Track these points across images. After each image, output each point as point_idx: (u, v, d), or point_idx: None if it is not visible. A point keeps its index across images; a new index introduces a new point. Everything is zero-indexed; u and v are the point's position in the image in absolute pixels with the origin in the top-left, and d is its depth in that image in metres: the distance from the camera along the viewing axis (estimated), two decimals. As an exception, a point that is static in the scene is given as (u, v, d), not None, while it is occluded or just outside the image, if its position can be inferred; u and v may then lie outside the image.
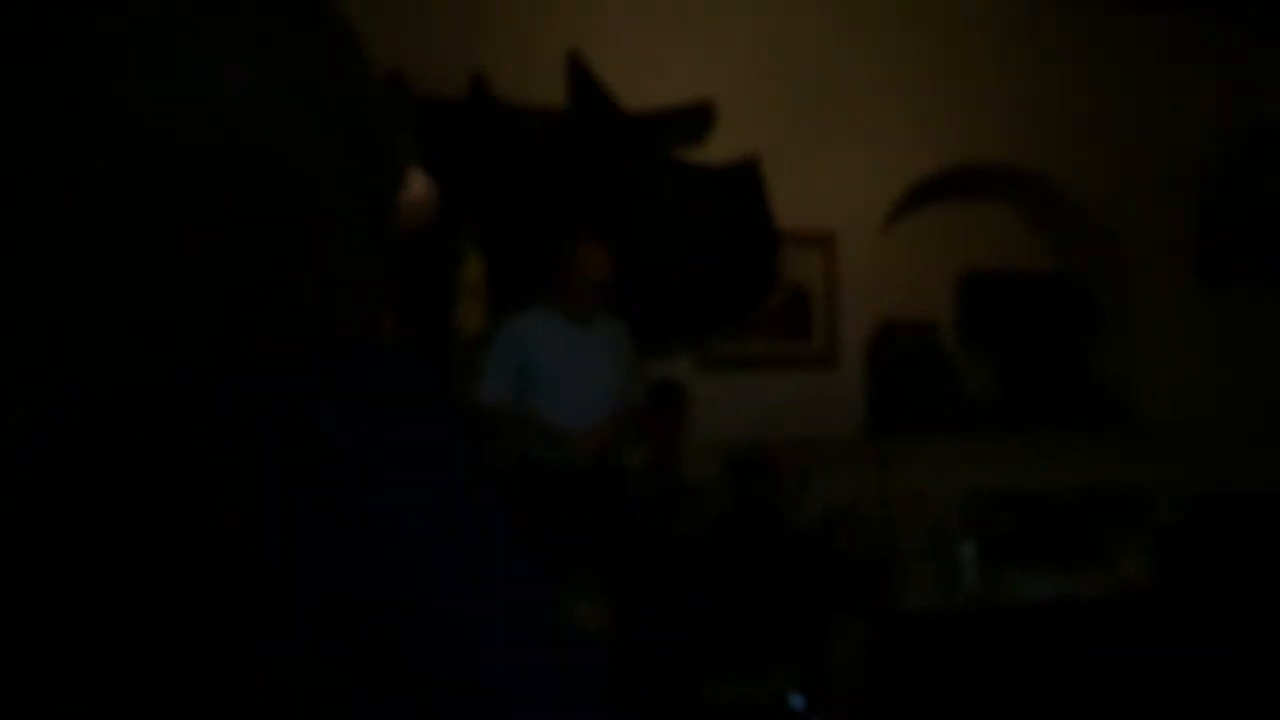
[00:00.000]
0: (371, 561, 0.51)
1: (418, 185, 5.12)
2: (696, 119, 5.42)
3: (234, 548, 0.50)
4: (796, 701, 4.18)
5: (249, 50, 0.58)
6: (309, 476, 0.51)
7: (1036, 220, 6.67)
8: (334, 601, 0.50)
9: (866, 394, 5.96)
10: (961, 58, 6.09)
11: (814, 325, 5.90)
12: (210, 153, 0.56)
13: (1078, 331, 6.46)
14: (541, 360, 4.12)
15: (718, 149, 5.44)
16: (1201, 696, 4.33)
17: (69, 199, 0.54)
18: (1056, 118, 6.22)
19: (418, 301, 4.68)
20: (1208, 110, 6.37)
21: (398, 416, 0.55)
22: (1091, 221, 6.42)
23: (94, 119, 0.55)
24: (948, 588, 4.78)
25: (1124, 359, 6.43)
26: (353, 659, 0.50)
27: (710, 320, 5.48)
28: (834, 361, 5.91)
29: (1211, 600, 4.70)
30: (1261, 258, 6.39)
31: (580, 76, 5.14)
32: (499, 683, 0.51)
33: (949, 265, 6.39)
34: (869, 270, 5.93)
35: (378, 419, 0.54)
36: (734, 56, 5.66)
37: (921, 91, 6.01)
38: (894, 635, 4.50)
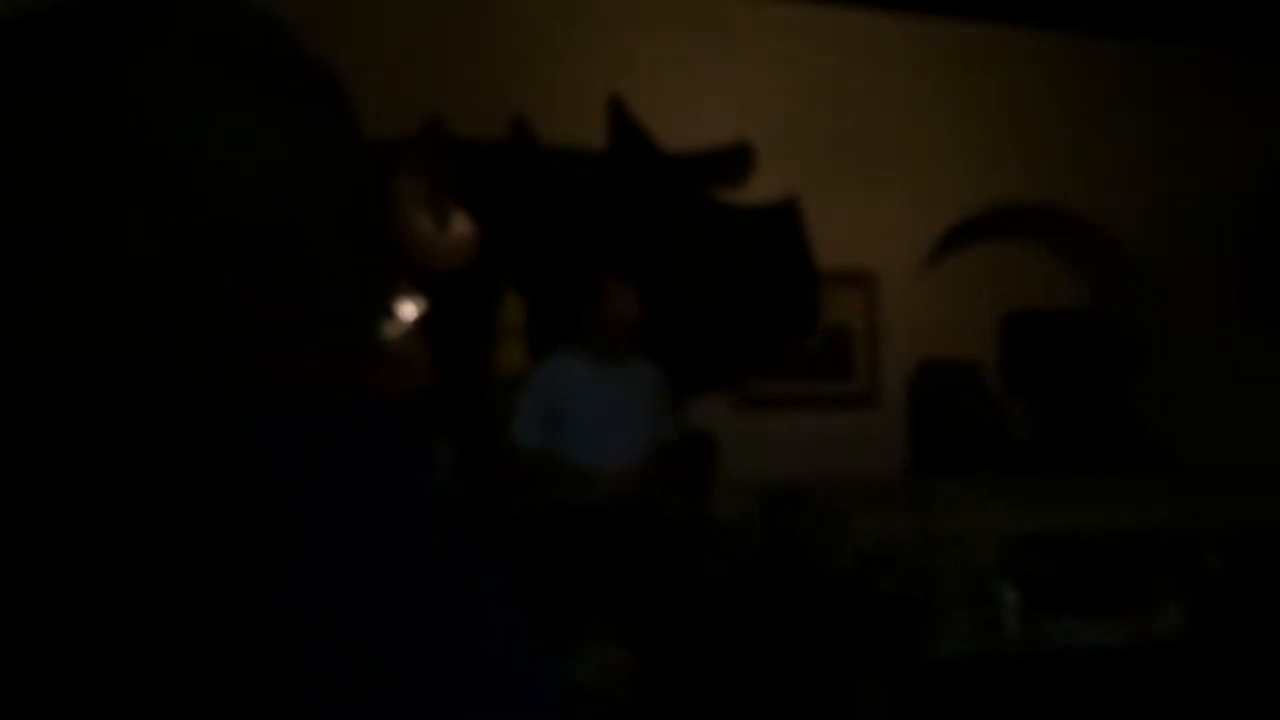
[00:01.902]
0: (338, 625, 0.53)
1: (459, 226, 5.19)
2: (736, 160, 5.44)
3: (215, 603, 0.52)
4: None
5: (272, 121, 0.60)
6: (284, 542, 0.54)
7: (1076, 260, 6.63)
8: (304, 662, 0.52)
9: (907, 434, 5.93)
10: (1001, 98, 6.09)
11: (855, 365, 5.89)
12: (230, 215, 0.58)
13: (1119, 372, 6.40)
14: (573, 402, 4.14)
15: (758, 190, 5.46)
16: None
17: (91, 237, 0.56)
18: (1096, 157, 6.20)
19: (457, 342, 4.72)
20: (1245, 147, 6.32)
21: (369, 483, 0.58)
22: (1131, 260, 6.38)
23: (123, 166, 0.56)
24: (987, 633, 4.72)
25: (1165, 399, 6.36)
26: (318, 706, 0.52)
27: (748, 361, 5.49)
28: (875, 401, 5.89)
29: (1252, 647, 4.61)
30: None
31: (621, 119, 5.18)
32: None
33: (989, 305, 6.35)
34: (910, 310, 5.92)
35: (350, 487, 0.57)
36: (774, 98, 5.69)
37: (962, 132, 6.01)
38: (927, 683, 4.45)
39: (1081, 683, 4.43)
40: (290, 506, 0.55)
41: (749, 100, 5.63)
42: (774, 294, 5.43)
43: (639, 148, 5.20)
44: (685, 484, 4.75)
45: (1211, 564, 5.18)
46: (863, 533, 5.04)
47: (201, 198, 0.57)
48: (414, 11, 5.17)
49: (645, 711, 3.77)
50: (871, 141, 5.86)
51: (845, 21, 5.83)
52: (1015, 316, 6.39)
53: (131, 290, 0.56)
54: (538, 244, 5.03)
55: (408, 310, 4.41)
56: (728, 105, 5.57)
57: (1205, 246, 6.31)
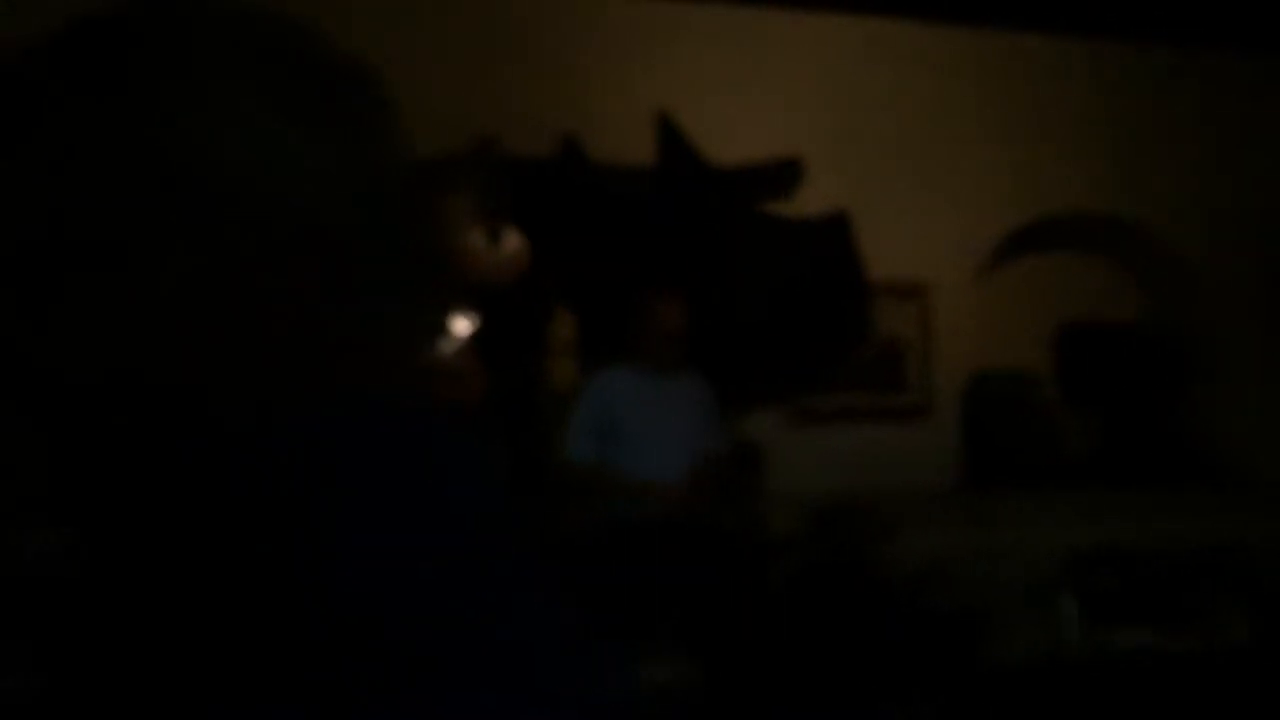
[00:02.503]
0: (386, 590, 0.54)
1: (510, 243, 5.22)
2: (785, 174, 5.44)
3: (278, 569, 0.54)
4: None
5: (307, 126, 0.60)
6: (340, 519, 0.55)
7: (1132, 271, 6.55)
8: (353, 623, 0.53)
9: (961, 447, 5.88)
10: (1053, 107, 6.04)
11: (907, 377, 5.85)
12: (273, 223, 0.59)
13: (1177, 384, 6.31)
14: (624, 415, 4.15)
15: (807, 203, 5.46)
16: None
17: (132, 251, 0.57)
18: (1150, 167, 6.13)
19: (509, 357, 4.75)
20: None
21: (419, 470, 0.59)
22: (1188, 272, 6.29)
23: (161, 178, 0.57)
24: (1044, 646, 4.67)
25: (1222, 412, 6.26)
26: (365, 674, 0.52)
27: (800, 375, 5.47)
28: (928, 413, 5.85)
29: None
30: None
31: (670, 135, 5.21)
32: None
33: (1043, 317, 6.30)
34: (963, 322, 5.88)
35: (402, 471, 0.58)
36: (823, 111, 5.69)
37: (1014, 142, 5.97)
38: (986, 691, 4.41)
39: (1141, 691, 4.37)
40: (338, 508, 0.56)
41: (798, 113, 5.63)
42: (825, 307, 5.42)
43: (688, 163, 5.22)
44: (734, 496, 4.74)
45: (1271, 579, 5.09)
46: (916, 547, 5.01)
47: (243, 207, 0.58)
48: (467, 33, 5.23)
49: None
50: (922, 153, 5.83)
51: (894, 33, 5.82)
52: (1071, 328, 6.33)
53: (175, 304, 0.57)
54: (588, 260, 5.06)
55: (461, 326, 4.46)
56: (777, 119, 5.58)
57: (1262, 257, 6.21)
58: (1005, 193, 5.96)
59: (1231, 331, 6.27)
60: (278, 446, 0.57)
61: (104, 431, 0.58)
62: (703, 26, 5.56)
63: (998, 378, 6.06)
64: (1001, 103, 5.98)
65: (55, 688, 0.55)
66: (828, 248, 5.42)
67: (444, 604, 0.55)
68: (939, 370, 5.87)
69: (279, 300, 0.59)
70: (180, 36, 0.60)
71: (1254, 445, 6.10)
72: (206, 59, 0.60)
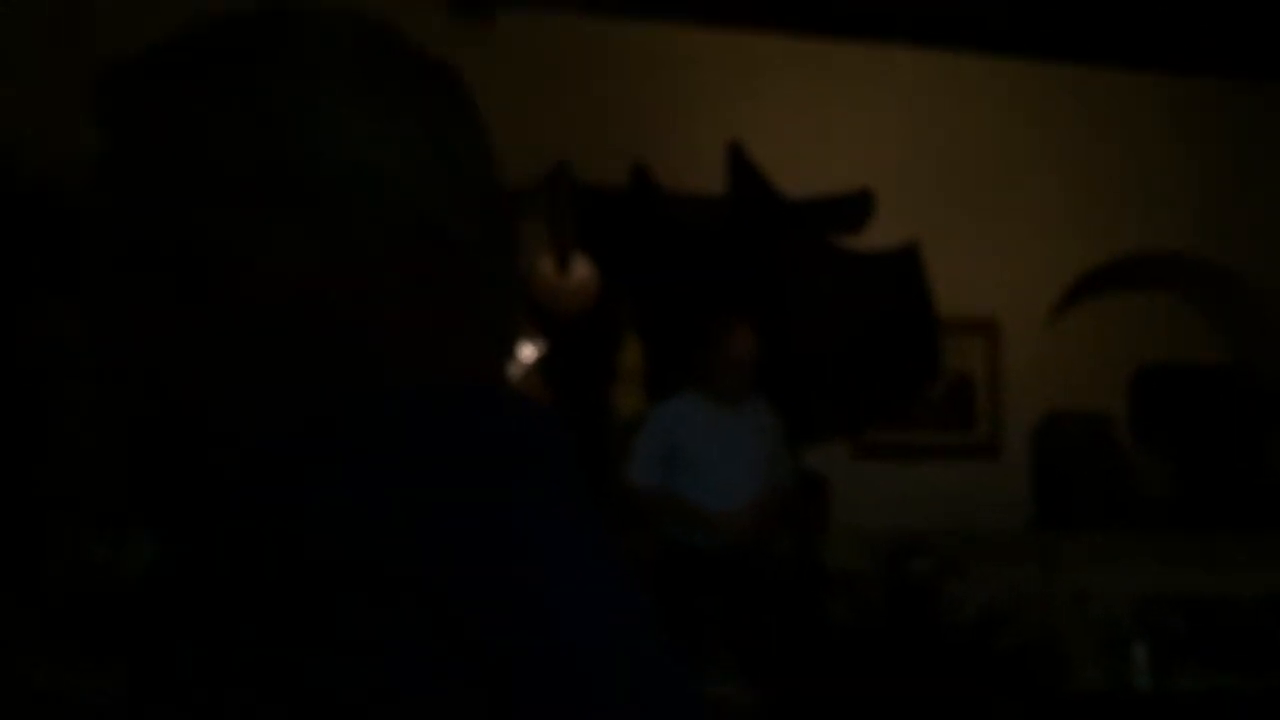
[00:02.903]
0: (493, 572, 0.54)
1: (580, 270, 5.26)
2: (857, 206, 5.42)
3: (380, 547, 0.53)
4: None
5: (408, 124, 0.62)
6: (447, 496, 0.55)
7: (1211, 312, 6.42)
8: (455, 605, 0.53)
9: (1032, 487, 5.79)
10: (1131, 143, 5.96)
11: (977, 415, 5.78)
12: (381, 216, 0.60)
13: (1257, 428, 6.16)
14: (689, 443, 4.15)
15: (879, 236, 5.43)
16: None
17: (248, 248, 0.59)
18: (1230, 205, 6.01)
19: (576, 384, 4.77)
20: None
21: (521, 453, 0.60)
22: (1267, 313, 6.15)
23: (273, 176, 0.59)
24: (1114, 690, 4.56)
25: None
26: (463, 656, 0.52)
27: (868, 408, 5.43)
28: (997, 452, 5.77)
29: None
30: None
31: (740, 164, 5.21)
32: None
33: (1118, 357, 6.19)
34: (1035, 360, 5.80)
35: (505, 453, 0.59)
36: (895, 143, 5.66)
37: (1089, 179, 5.90)
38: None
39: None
40: (442, 493, 0.56)
41: (871, 145, 5.61)
42: (894, 341, 5.38)
43: (759, 193, 5.22)
44: (799, 527, 4.71)
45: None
46: (985, 587, 4.93)
47: (362, 205, 0.60)
48: (540, 63, 5.28)
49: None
50: (996, 187, 5.78)
51: (969, 65, 5.78)
52: (1146, 370, 6.21)
53: (302, 301, 0.59)
54: (657, 289, 5.07)
55: (527, 352, 4.48)
56: (849, 151, 5.56)
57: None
58: (1080, 230, 5.88)
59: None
60: (412, 438, 0.58)
61: (223, 434, 0.59)
62: (775, 57, 5.57)
63: (1070, 418, 5.96)
64: (1078, 138, 5.91)
65: (139, 699, 0.55)
66: (898, 281, 5.39)
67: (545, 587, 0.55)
68: (1009, 409, 5.79)
69: (401, 296, 0.60)
70: (293, 39, 0.62)
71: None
72: (317, 60, 0.62)
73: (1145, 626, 5.02)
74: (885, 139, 5.65)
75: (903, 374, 5.46)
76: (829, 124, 5.59)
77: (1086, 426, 6.02)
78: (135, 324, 0.60)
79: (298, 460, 0.57)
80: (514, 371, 4.20)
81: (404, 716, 0.50)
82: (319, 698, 0.50)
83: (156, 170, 0.60)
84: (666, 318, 5.05)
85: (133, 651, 0.57)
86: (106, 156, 0.62)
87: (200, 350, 0.59)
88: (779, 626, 4.20)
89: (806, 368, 5.07)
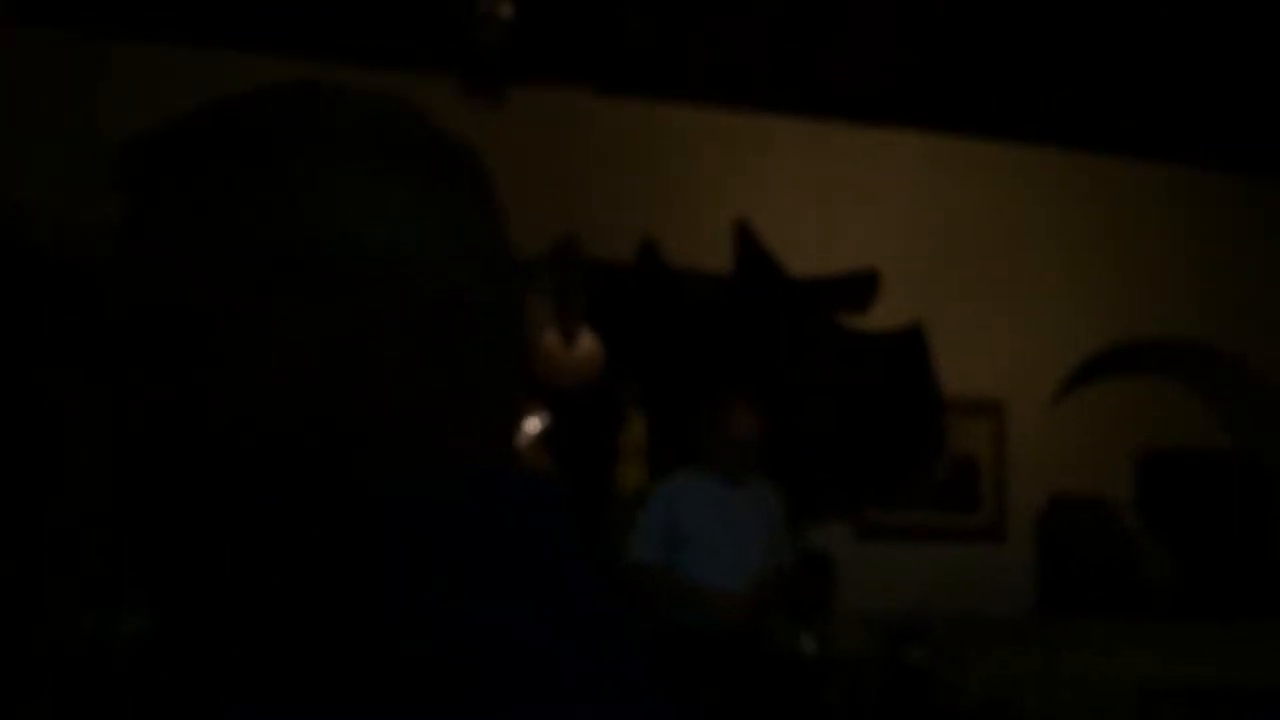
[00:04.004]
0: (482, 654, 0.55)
1: (585, 344, 5.26)
2: (862, 286, 5.45)
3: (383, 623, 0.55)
4: None
5: (426, 203, 0.63)
6: (443, 584, 0.56)
7: (1216, 397, 6.41)
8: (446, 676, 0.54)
9: (1036, 571, 5.74)
10: (1136, 230, 6.00)
11: (982, 497, 5.75)
12: (395, 294, 0.61)
13: (1263, 514, 6.13)
14: (691, 521, 4.13)
15: (884, 316, 5.45)
16: None
17: (258, 322, 0.60)
18: (1236, 293, 6.04)
19: (579, 459, 4.76)
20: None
21: (527, 541, 0.60)
22: (1274, 399, 6.14)
23: (288, 251, 0.60)
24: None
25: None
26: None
27: (870, 488, 5.41)
28: (1002, 536, 5.73)
29: None
30: None
31: (747, 242, 5.25)
32: None
33: (1124, 441, 6.18)
34: (1040, 443, 5.78)
35: (510, 542, 0.59)
36: (902, 225, 5.71)
37: (1095, 264, 5.93)
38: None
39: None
40: (455, 569, 0.57)
41: (875, 226, 5.66)
42: (898, 421, 5.37)
43: (765, 271, 5.25)
44: (801, 607, 4.67)
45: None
46: (986, 673, 4.87)
47: (367, 279, 0.60)
48: (550, 139, 5.35)
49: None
50: (1002, 270, 5.81)
51: (976, 150, 5.85)
52: (1152, 454, 6.20)
53: (315, 372, 0.59)
54: (662, 364, 5.08)
55: (531, 424, 4.48)
56: (854, 231, 5.61)
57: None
58: (1085, 314, 5.90)
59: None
60: (411, 515, 0.59)
61: (228, 497, 0.59)
62: (784, 138, 5.64)
63: (1075, 502, 5.93)
64: (1084, 224, 5.96)
65: None
66: (902, 361, 5.40)
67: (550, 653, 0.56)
68: (1014, 492, 5.77)
69: (413, 369, 0.61)
70: (315, 116, 0.64)
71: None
72: (336, 138, 0.63)
73: (1147, 715, 4.94)
74: (890, 220, 5.70)
75: (905, 454, 5.44)
76: (835, 204, 5.64)
77: (1092, 512, 5.99)
78: (143, 390, 0.60)
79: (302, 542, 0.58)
80: (519, 444, 4.20)
81: None
82: None
83: (176, 238, 0.61)
84: (670, 394, 5.05)
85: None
86: (127, 222, 0.63)
87: (209, 420, 0.59)
88: (777, 714, 4.14)
89: (808, 445, 5.06)
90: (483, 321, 0.63)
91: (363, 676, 0.53)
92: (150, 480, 0.61)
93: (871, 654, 4.72)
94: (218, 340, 0.60)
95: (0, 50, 4.88)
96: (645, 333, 5.09)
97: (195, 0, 4.80)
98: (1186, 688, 5.15)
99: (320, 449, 0.59)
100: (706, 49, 5.21)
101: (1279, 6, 4.76)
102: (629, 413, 5.00)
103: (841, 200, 5.66)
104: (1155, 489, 6.20)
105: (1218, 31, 4.96)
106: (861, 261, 5.48)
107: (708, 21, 5.04)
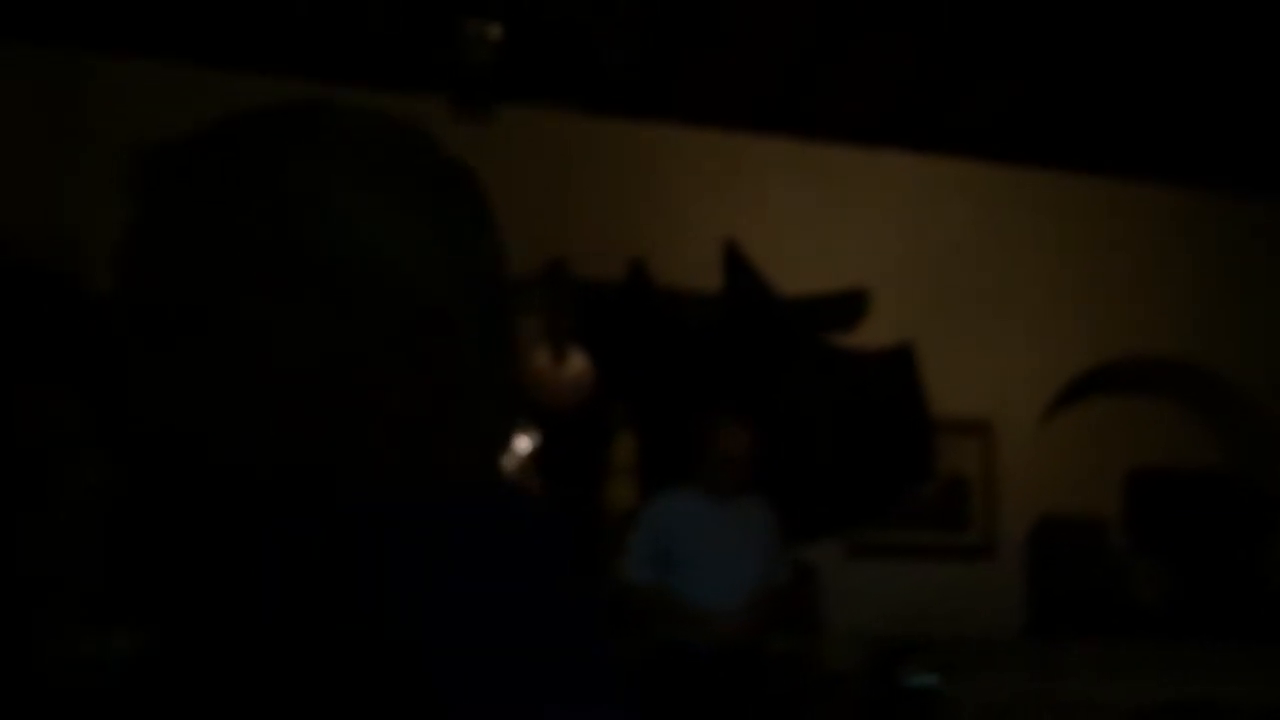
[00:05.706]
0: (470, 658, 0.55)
1: (576, 364, 5.26)
2: (851, 305, 5.46)
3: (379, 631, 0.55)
4: None
5: (419, 217, 0.64)
6: (434, 597, 0.57)
7: (1205, 416, 6.43)
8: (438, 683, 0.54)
9: (1026, 589, 5.74)
10: (1126, 250, 6.03)
11: (971, 516, 5.76)
12: (385, 303, 0.62)
13: (1252, 534, 6.13)
14: (683, 539, 4.12)
15: (873, 335, 5.46)
16: None
17: (249, 328, 0.60)
18: (1224, 312, 6.06)
19: (569, 478, 4.75)
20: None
21: (514, 555, 0.61)
22: (1264, 418, 6.16)
23: (282, 259, 0.61)
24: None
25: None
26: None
27: (859, 506, 5.41)
28: (991, 555, 5.73)
29: None
30: None
31: (736, 262, 5.26)
32: None
33: (1113, 460, 6.18)
34: (1029, 462, 5.79)
35: (498, 556, 0.60)
36: (891, 244, 5.72)
37: (1084, 283, 5.95)
38: None
39: None
40: (440, 586, 0.57)
41: (867, 246, 5.67)
42: (887, 440, 5.38)
43: (754, 291, 5.26)
44: (791, 623, 4.66)
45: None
46: (975, 692, 4.86)
47: (359, 288, 0.62)
48: (540, 159, 5.36)
49: None
50: (991, 290, 5.83)
51: (965, 171, 5.87)
52: (1142, 474, 6.20)
53: (291, 383, 0.60)
54: (652, 383, 5.08)
55: (522, 444, 4.48)
56: (844, 252, 5.62)
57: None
58: (1075, 333, 5.92)
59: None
60: (396, 525, 0.59)
61: (217, 509, 0.60)
62: (774, 159, 5.66)
63: (1065, 521, 5.93)
64: (1074, 244, 5.98)
65: None
66: (891, 380, 5.41)
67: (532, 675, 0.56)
68: (1004, 511, 5.77)
69: (402, 382, 0.62)
70: (317, 132, 0.65)
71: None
72: (336, 153, 0.64)
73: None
74: (880, 241, 5.72)
75: (894, 473, 5.45)
76: (824, 225, 5.65)
77: (1081, 530, 5.99)
78: (146, 386, 0.61)
79: (296, 547, 0.58)
80: (509, 463, 4.19)
81: None
82: None
83: (182, 243, 0.62)
84: (660, 413, 5.05)
85: None
86: (135, 226, 0.64)
87: (213, 417, 0.60)
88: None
89: (797, 463, 5.06)
90: (472, 333, 0.64)
91: (335, 692, 0.53)
92: (140, 495, 0.61)
93: (863, 671, 4.71)
94: (212, 340, 0.60)
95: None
96: (635, 352, 5.09)
97: (187, 21, 4.82)
98: (1178, 707, 5.14)
99: (308, 457, 0.60)
100: (696, 69, 5.23)
101: (1260, 29, 4.80)
102: (619, 432, 5.00)
103: (830, 220, 5.68)
104: (1144, 508, 6.20)
105: (1204, 54, 5.00)
106: (850, 281, 5.50)
107: (697, 42, 5.07)
